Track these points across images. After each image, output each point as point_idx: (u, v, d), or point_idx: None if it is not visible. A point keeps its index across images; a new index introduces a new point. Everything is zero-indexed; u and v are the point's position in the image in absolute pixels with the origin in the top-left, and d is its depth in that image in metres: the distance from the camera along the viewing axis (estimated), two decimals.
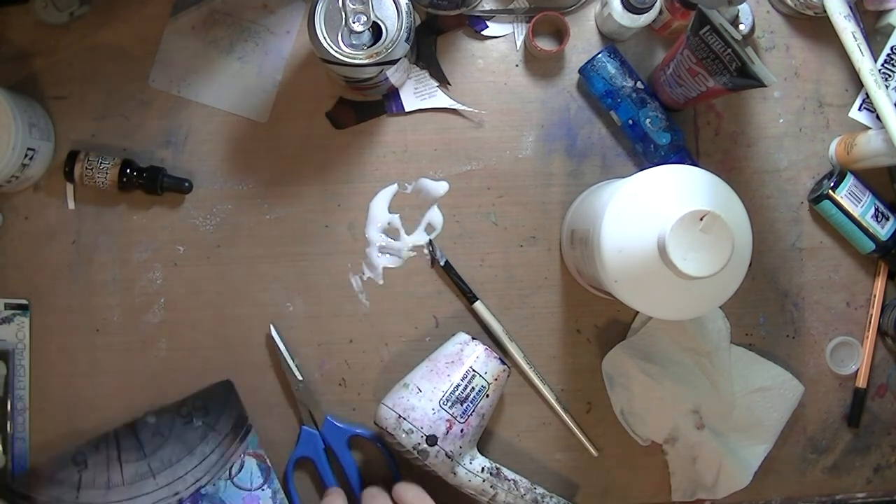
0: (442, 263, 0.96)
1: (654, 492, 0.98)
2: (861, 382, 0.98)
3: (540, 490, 0.92)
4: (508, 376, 0.90)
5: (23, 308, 0.96)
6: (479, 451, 0.91)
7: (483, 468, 0.89)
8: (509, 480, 0.91)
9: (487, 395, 0.88)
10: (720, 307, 0.97)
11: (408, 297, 0.98)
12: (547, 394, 0.96)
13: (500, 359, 0.89)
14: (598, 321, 0.98)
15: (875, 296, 0.98)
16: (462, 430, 0.86)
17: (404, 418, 0.86)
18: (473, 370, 0.88)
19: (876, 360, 0.99)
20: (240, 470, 0.91)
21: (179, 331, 0.97)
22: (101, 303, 0.96)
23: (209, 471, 0.90)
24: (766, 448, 0.96)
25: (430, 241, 0.97)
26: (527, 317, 0.97)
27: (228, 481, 0.91)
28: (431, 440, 0.85)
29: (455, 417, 0.86)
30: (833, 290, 0.99)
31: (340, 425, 0.95)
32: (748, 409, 0.95)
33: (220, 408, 0.92)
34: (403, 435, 0.85)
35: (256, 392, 0.96)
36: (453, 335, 0.92)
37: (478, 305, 0.96)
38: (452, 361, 0.89)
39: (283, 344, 0.95)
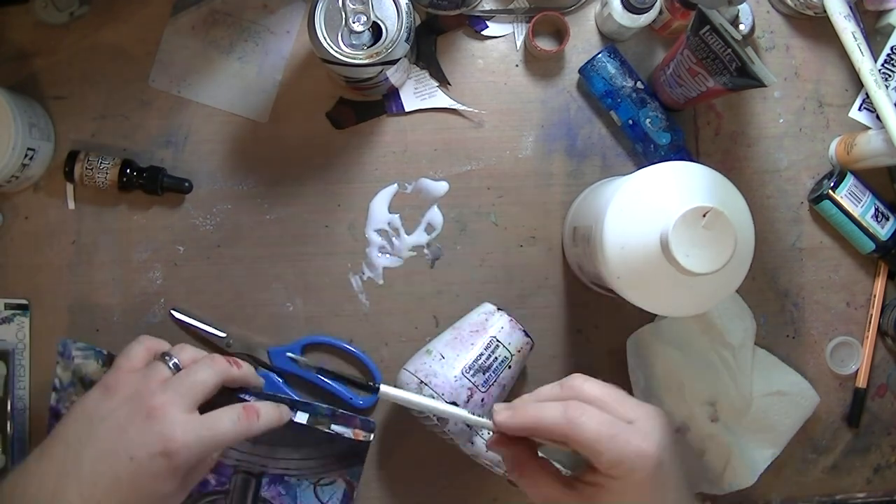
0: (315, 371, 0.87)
1: None
2: (861, 382, 0.98)
3: (555, 465, 0.92)
4: (532, 349, 0.90)
5: (23, 308, 0.95)
6: None
7: None
8: None
9: (510, 367, 0.88)
10: (748, 306, 0.97)
11: (408, 297, 0.98)
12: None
13: (524, 331, 0.89)
14: (598, 321, 0.98)
15: (875, 296, 0.98)
16: (483, 400, 0.86)
17: (426, 384, 0.85)
18: (497, 340, 0.88)
19: (876, 360, 0.99)
20: (328, 483, 0.91)
21: (179, 331, 0.97)
22: (101, 303, 0.96)
23: (301, 470, 0.89)
24: (774, 453, 0.96)
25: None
26: (527, 317, 0.97)
27: (312, 486, 0.91)
28: None
29: (477, 386, 0.86)
30: (833, 290, 0.99)
31: (285, 347, 0.96)
32: (763, 412, 0.95)
33: (346, 448, 0.90)
34: None
35: None
36: (478, 305, 0.92)
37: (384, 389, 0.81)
38: (476, 330, 0.89)
39: (190, 317, 0.96)
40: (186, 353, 0.80)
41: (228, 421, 0.75)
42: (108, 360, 0.87)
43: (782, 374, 0.97)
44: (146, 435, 0.71)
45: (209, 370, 0.77)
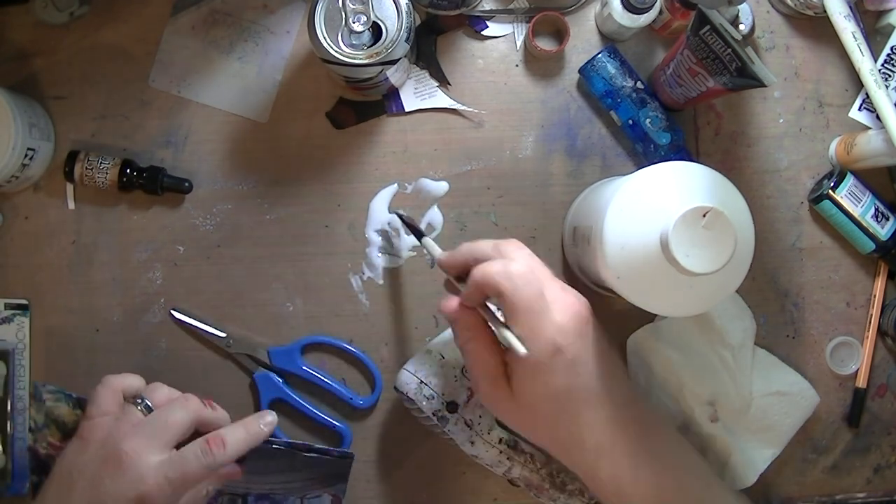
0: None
1: None
2: (861, 382, 0.98)
3: (556, 465, 0.92)
4: None
5: (23, 308, 0.95)
6: (497, 423, 0.91)
7: (501, 439, 0.89)
8: (526, 454, 0.90)
9: None
10: (748, 306, 0.97)
11: (408, 297, 0.98)
12: None
13: None
14: (598, 321, 0.98)
15: (875, 296, 0.98)
16: None
17: (426, 384, 0.86)
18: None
19: (876, 360, 0.99)
20: (314, 497, 0.91)
21: (179, 331, 0.97)
22: (101, 303, 0.96)
23: (286, 489, 0.89)
24: (774, 453, 0.95)
25: (398, 213, 0.96)
26: None
27: (298, 500, 0.91)
28: (452, 407, 0.85)
29: None
30: (833, 290, 0.99)
31: (285, 347, 0.96)
32: (763, 412, 0.95)
33: (329, 469, 0.91)
34: (424, 401, 0.85)
35: (256, 391, 0.97)
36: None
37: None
38: None
39: (190, 316, 0.96)
40: (160, 393, 0.80)
41: (193, 457, 0.75)
42: (78, 403, 0.87)
43: (782, 374, 0.97)
44: (119, 484, 0.72)
45: (182, 410, 0.77)
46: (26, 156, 0.90)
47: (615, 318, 0.97)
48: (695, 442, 0.95)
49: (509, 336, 0.72)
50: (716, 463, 0.94)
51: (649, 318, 0.97)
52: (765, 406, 0.95)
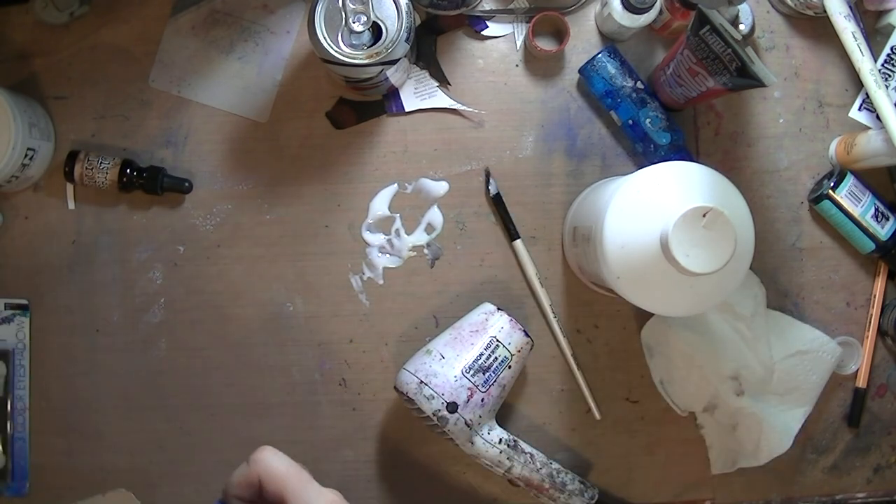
0: (493, 193, 0.95)
1: (654, 492, 0.98)
2: (861, 382, 0.98)
3: (556, 465, 0.92)
4: (532, 349, 0.90)
5: (23, 308, 0.95)
6: (497, 423, 0.92)
7: (501, 439, 0.89)
8: (526, 454, 0.91)
9: (510, 367, 0.88)
10: (755, 273, 0.97)
11: (408, 297, 0.98)
12: (565, 347, 0.97)
13: (524, 330, 0.89)
14: (598, 321, 0.98)
15: (875, 296, 0.98)
16: (483, 400, 0.86)
17: (426, 384, 0.86)
18: (497, 340, 0.88)
19: (876, 360, 0.99)
20: None
21: (179, 331, 0.97)
22: (101, 303, 0.96)
23: None
24: (806, 411, 0.95)
25: (487, 170, 0.97)
26: (527, 316, 0.97)
27: None
28: (452, 407, 0.85)
29: (476, 386, 0.86)
30: (833, 290, 0.99)
31: None
32: (787, 374, 0.95)
33: None
34: (424, 401, 0.85)
35: (256, 391, 0.97)
36: (478, 305, 0.92)
37: (517, 244, 0.95)
38: (476, 330, 0.89)
39: None
40: None
41: None
42: None
43: (799, 332, 0.96)
44: None
45: None
46: (26, 156, 0.90)
47: (615, 317, 0.98)
48: (724, 418, 0.95)
49: None
50: (749, 436, 0.94)
51: (649, 317, 0.97)
52: (788, 368, 0.95)
